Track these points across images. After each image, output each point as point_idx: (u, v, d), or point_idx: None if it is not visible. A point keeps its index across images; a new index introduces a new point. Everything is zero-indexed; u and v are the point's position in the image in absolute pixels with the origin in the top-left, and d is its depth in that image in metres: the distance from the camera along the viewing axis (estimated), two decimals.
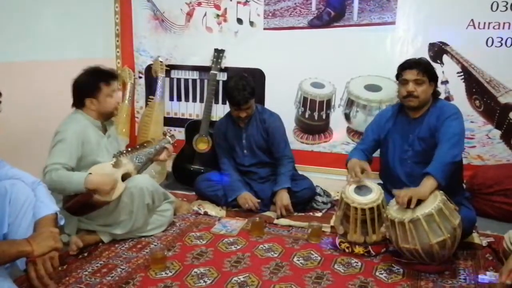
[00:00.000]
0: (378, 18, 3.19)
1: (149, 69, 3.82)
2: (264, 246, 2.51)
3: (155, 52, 3.79)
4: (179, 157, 3.54)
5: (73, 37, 3.31)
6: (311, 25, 3.36)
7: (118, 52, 3.83)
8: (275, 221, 2.85)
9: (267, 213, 2.95)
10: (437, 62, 3.07)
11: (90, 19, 3.49)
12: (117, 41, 3.81)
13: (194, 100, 3.79)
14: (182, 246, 2.51)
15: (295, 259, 2.36)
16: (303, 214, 2.98)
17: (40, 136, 2.91)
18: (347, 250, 2.43)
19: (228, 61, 3.58)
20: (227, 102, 3.64)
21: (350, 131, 3.44)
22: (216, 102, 3.67)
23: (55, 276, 1.86)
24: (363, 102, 3.34)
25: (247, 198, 2.96)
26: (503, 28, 2.93)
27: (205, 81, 3.68)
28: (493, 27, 2.95)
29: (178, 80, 3.80)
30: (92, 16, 3.51)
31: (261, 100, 3.48)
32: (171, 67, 3.76)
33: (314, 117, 3.49)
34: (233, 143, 3.13)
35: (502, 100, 3.03)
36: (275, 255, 2.41)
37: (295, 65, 3.42)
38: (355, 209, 2.35)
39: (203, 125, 3.50)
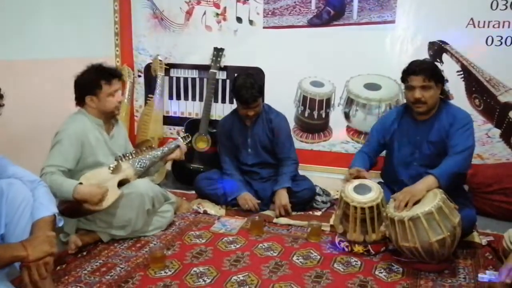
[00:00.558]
0: (378, 17, 3.19)
1: (148, 67, 3.82)
2: (264, 245, 2.51)
3: (155, 51, 3.78)
4: None
5: (73, 36, 3.30)
6: (311, 24, 3.35)
7: (117, 50, 3.82)
8: (275, 220, 2.85)
9: (267, 212, 2.95)
10: (437, 61, 3.07)
11: (89, 17, 3.48)
12: (117, 39, 3.80)
13: (194, 99, 3.78)
14: (181, 245, 2.51)
15: (294, 258, 2.36)
16: (302, 213, 2.98)
17: (39, 135, 2.91)
18: (346, 249, 2.43)
19: (228, 60, 3.57)
20: (226, 101, 3.67)
21: (349, 130, 3.43)
22: (216, 101, 3.66)
23: (51, 278, 1.85)
24: (363, 101, 3.34)
25: (247, 199, 2.96)
26: (503, 27, 2.93)
27: (205, 79, 3.67)
28: (493, 26, 2.95)
29: (178, 78, 3.79)
30: (91, 15, 3.51)
31: None
32: (170, 66, 3.76)
33: (313, 116, 3.48)
34: (238, 141, 3.12)
35: (502, 99, 3.03)
36: (275, 254, 2.41)
37: (295, 64, 3.42)
38: (354, 208, 2.35)
39: (203, 124, 3.50)
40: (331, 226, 2.69)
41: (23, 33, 2.92)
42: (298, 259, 2.36)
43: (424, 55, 3.05)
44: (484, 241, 2.52)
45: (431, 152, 2.51)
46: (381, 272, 2.22)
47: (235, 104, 3.59)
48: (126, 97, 3.77)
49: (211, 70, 3.53)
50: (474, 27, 2.98)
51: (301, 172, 3.20)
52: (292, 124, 3.50)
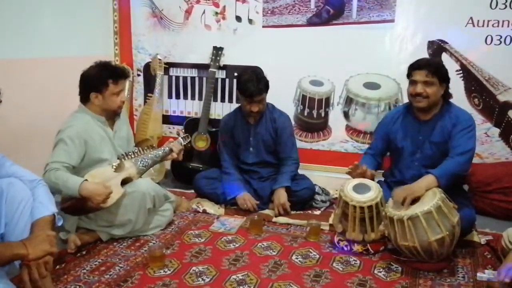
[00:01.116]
0: (377, 16, 3.19)
1: (147, 66, 3.81)
2: (263, 244, 2.51)
3: (154, 50, 3.78)
4: None
5: (72, 35, 3.30)
6: (310, 23, 3.35)
7: (116, 49, 3.82)
8: (274, 219, 2.85)
9: (266, 212, 2.95)
10: None
11: (88, 16, 3.48)
12: (116, 38, 3.80)
13: (193, 98, 3.78)
14: (180, 244, 2.51)
15: (293, 257, 2.36)
16: (301, 212, 2.98)
17: (39, 134, 2.92)
18: (345, 248, 2.43)
19: (227, 59, 3.57)
20: (226, 100, 3.66)
21: (349, 129, 3.43)
22: (215, 100, 3.66)
23: (50, 277, 1.86)
24: (362, 100, 3.34)
25: (246, 199, 2.96)
26: (502, 26, 2.93)
27: (204, 78, 3.67)
28: (492, 25, 2.95)
29: (177, 77, 3.79)
30: (90, 14, 3.50)
31: None
32: (169, 65, 3.75)
33: (313, 115, 3.48)
34: (240, 140, 3.11)
35: (501, 98, 3.03)
36: (274, 253, 2.41)
37: (294, 63, 3.42)
38: (353, 207, 2.35)
39: (202, 123, 3.50)
40: (330, 225, 2.69)
41: (23, 32, 2.91)
42: (297, 258, 2.36)
43: (423, 54, 3.04)
44: (483, 240, 2.53)
45: (433, 153, 2.51)
46: (380, 272, 2.22)
47: (234, 103, 3.61)
48: (126, 96, 3.76)
49: (210, 69, 3.53)
50: (474, 26, 2.98)
51: (300, 171, 3.20)
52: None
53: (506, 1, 2.88)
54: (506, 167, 3.01)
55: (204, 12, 3.58)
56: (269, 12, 3.42)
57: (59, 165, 2.27)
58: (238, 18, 3.51)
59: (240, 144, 3.12)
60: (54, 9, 3.15)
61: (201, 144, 3.52)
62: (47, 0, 3.09)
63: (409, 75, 2.52)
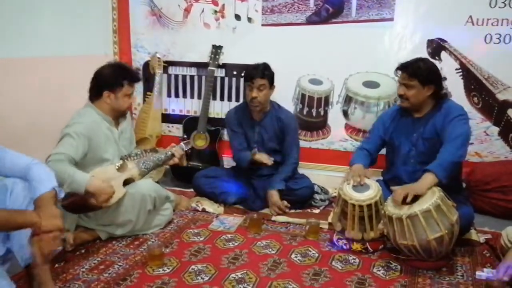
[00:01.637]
0: (377, 15, 3.19)
1: (146, 65, 3.81)
2: (262, 243, 2.51)
3: (153, 49, 3.77)
4: None
5: (71, 34, 3.29)
6: (309, 22, 3.35)
7: (115, 48, 3.81)
8: (273, 218, 2.85)
9: (265, 210, 2.95)
10: (436, 59, 3.07)
11: (87, 15, 3.47)
12: (115, 37, 3.79)
13: (192, 96, 3.78)
14: (179, 242, 2.51)
15: (292, 256, 2.36)
16: (301, 211, 2.97)
17: (38, 133, 2.91)
18: (344, 247, 2.43)
19: (226, 58, 3.56)
20: (225, 98, 3.66)
21: (348, 127, 3.43)
22: (214, 98, 3.66)
23: (49, 270, 1.86)
24: (361, 99, 3.34)
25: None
26: (502, 24, 2.93)
27: (203, 77, 3.66)
28: (492, 24, 2.95)
29: (176, 76, 3.78)
30: (89, 13, 3.49)
31: None
32: (168, 64, 3.75)
33: (312, 114, 3.48)
34: (245, 133, 3.10)
35: (500, 97, 3.03)
36: (273, 252, 2.41)
37: (293, 62, 3.42)
38: (352, 206, 2.35)
39: (201, 122, 3.50)
40: (330, 224, 2.70)
41: (22, 31, 2.91)
42: (296, 257, 2.36)
43: (422, 53, 3.05)
44: (482, 239, 2.53)
45: (425, 149, 2.52)
46: (379, 270, 2.23)
47: (233, 101, 3.61)
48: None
49: (209, 68, 3.53)
50: (473, 24, 2.98)
51: (299, 170, 3.20)
52: None
53: None
54: (505, 166, 3.01)
55: (203, 11, 3.58)
56: (269, 10, 3.41)
57: (63, 156, 2.25)
58: (237, 17, 3.51)
59: (246, 135, 3.11)
60: (53, 8, 3.14)
61: (200, 143, 3.52)
62: None
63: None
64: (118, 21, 3.77)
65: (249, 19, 3.48)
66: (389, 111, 2.80)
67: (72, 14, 3.30)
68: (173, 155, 2.69)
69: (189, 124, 3.56)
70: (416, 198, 2.24)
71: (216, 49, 3.53)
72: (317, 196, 3.11)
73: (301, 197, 3.01)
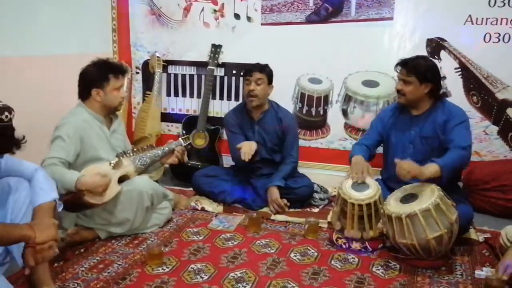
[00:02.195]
0: (376, 14, 3.19)
1: (146, 64, 3.80)
2: (261, 242, 2.51)
3: (152, 48, 3.77)
4: None
5: (70, 32, 3.29)
6: (309, 21, 3.35)
7: (115, 47, 3.81)
8: (272, 217, 2.85)
9: (265, 209, 2.95)
10: (435, 58, 3.06)
11: (86, 14, 3.46)
12: (114, 36, 3.79)
13: (192, 95, 3.77)
14: (179, 241, 2.51)
15: (292, 255, 2.36)
16: (300, 210, 2.97)
17: (36, 132, 2.88)
18: (344, 246, 2.43)
19: (226, 57, 3.56)
20: (224, 97, 3.66)
21: (347, 127, 3.43)
22: (214, 97, 3.66)
23: (49, 271, 1.87)
24: (361, 98, 3.34)
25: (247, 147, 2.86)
26: (501, 23, 2.93)
27: (203, 76, 3.66)
28: (491, 23, 2.95)
29: (175, 75, 3.78)
30: (89, 11, 3.49)
31: None
32: (168, 63, 3.75)
33: (311, 113, 3.48)
34: (245, 133, 3.10)
35: (500, 96, 3.03)
36: (272, 251, 2.41)
37: (293, 61, 3.42)
38: (352, 205, 2.35)
39: (200, 121, 3.50)
40: (329, 223, 2.70)
41: (20, 29, 2.90)
42: (295, 256, 2.36)
43: (422, 52, 3.05)
44: (481, 238, 2.53)
45: (423, 147, 2.54)
46: (378, 269, 2.23)
47: (233, 101, 3.61)
48: (124, 92, 3.75)
49: (209, 67, 3.52)
50: (472, 24, 2.98)
51: (299, 169, 3.20)
52: None
53: None
54: (505, 165, 3.01)
55: (202, 10, 3.58)
56: (268, 9, 3.41)
57: (56, 160, 2.27)
58: (237, 16, 3.50)
59: (245, 136, 3.11)
60: (52, 7, 3.13)
61: (200, 142, 3.51)
62: None
63: None
64: (117, 20, 3.76)
65: (249, 18, 3.48)
66: (388, 108, 2.82)
67: (71, 12, 3.29)
68: (171, 152, 2.69)
69: (189, 123, 3.55)
70: (415, 196, 2.24)
71: (216, 48, 3.53)
72: (316, 195, 3.10)
73: (301, 196, 3.01)
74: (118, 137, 2.63)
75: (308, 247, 2.45)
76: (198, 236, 2.59)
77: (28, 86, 2.96)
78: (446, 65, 3.08)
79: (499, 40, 2.95)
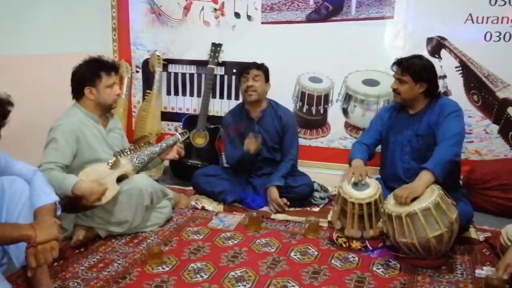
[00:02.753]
0: (376, 13, 3.18)
1: (146, 63, 3.80)
2: (261, 241, 2.51)
3: (152, 46, 3.77)
4: None
5: (70, 31, 3.29)
6: (309, 19, 3.34)
7: (115, 46, 3.81)
8: (273, 216, 2.85)
9: (265, 208, 2.95)
10: (435, 57, 3.06)
11: (86, 13, 3.47)
12: (114, 35, 3.79)
13: (192, 94, 3.77)
14: (179, 241, 2.51)
15: (292, 254, 2.36)
16: (300, 209, 2.97)
17: (35, 131, 2.89)
18: (344, 245, 2.43)
19: (226, 55, 3.56)
20: (224, 96, 3.66)
21: (348, 126, 3.43)
22: (214, 96, 3.65)
23: (48, 273, 1.86)
24: (361, 97, 3.33)
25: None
26: (502, 22, 2.92)
27: (203, 75, 3.66)
28: (492, 22, 2.94)
29: (176, 74, 3.78)
30: (88, 10, 3.49)
31: None
32: (168, 61, 3.74)
33: (312, 112, 3.48)
34: (243, 137, 3.07)
35: (500, 95, 3.03)
36: (272, 250, 2.41)
37: (293, 60, 3.41)
38: (352, 204, 2.35)
39: (201, 120, 3.49)
40: (329, 222, 2.69)
41: (20, 28, 2.90)
42: (295, 255, 2.36)
43: (422, 51, 3.04)
44: (481, 237, 2.52)
45: (420, 146, 2.54)
46: (379, 268, 2.22)
47: (233, 99, 3.61)
48: (124, 92, 3.75)
49: (209, 66, 3.52)
50: (473, 22, 2.98)
51: (299, 168, 3.20)
52: None
53: None
54: (505, 164, 3.00)
55: (202, 9, 3.57)
56: (268, 8, 3.41)
57: (52, 165, 2.26)
58: (237, 15, 3.50)
59: (244, 141, 3.10)
60: (52, 6, 3.13)
61: (200, 141, 3.51)
62: None
63: None
64: (117, 18, 3.76)
65: (249, 17, 3.47)
66: (387, 107, 2.83)
67: (71, 11, 3.30)
68: (168, 147, 2.68)
69: (189, 122, 3.55)
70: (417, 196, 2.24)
71: (216, 47, 3.53)
72: (316, 194, 3.10)
73: (301, 194, 3.01)
74: (115, 136, 2.63)
75: (308, 246, 2.45)
76: (198, 235, 2.59)
77: (28, 85, 2.97)
78: (447, 64, 3.07)
79: (500, 39, 2.94)
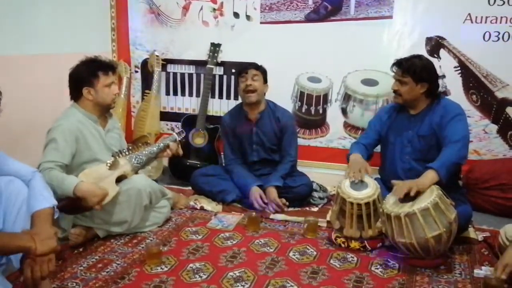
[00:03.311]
0: (375, 12, 3.18)
1: (145, 63, 3.80)
2: (260, 241, 2.51)
3: (151, 46, 3.77)
4: None
5: (69, 31, 3.29)
6: (308, 19, 3.34)
7: (114, 46, 3.81)
8: (271, 216, 2.85)
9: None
10: (434, 57, 3.06)
11: (85, 13, 3.46)
12: (113, 35, 3.79)
13: (191, 94, 3.77)
14: (177, 241, 2.51)
15: (290, 254, 2.36)
16: (299, 209, 2.97)
17: (35, 130, 2.90)
18: (343, 245, 2.43)
19: (225, 55, 3.56)
20: (223, 96, 3.66)
21: (346, 125, 3.43)
22: (213, 96, 3.65)
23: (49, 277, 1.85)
24: (360, 97, 3.33)
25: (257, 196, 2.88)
26: (500, 22, 2.92)
27: (202, 75, 3.66)
28: (490, 22, 2.94)
29: (175, 74, 3.78)
30: (87, 10, 3.49)
31: None
32: (167, 61, 3.74)
33: (310, 112, 3.48)
34: (242, 138, 3.10)
35: (499, 94, 3.03)
36: (271, 250, 2.41)
37: (292, 59, 3.41)
38: (351, 204, 2.35)
39: (200, 120, 3.49)
40: (328, 222, 2.69)
41: (20, 28, 2.90)
42: (294, 255, 2.36)
43: (421, 50, 3.04)
44: (480, 237, 2.53)
45: (421, 146, 2.53)
46: (377, 268, 2.23)
47: (232, 99, 3.61)
48: (123, 92, 3.75)
49: (208, 66, 3.52)
50: (472, 22, 2.98)
51: (298, 168, 3.20)
52: None
53: None
54: (504, 164, 3.01)
55: (201, 9, 3.57)
56: (267, 8, 3.41)
57: (52, 164, 2.26)
58: (236, 14, 3.50)
59: (242, 142, 3.11)
60: (51, 6, 3.13)
61: (199, 141, 3.51)
62: None
63: None
64: (116, 18, 3.76)
65: (248, 17, 3.47)
66: (386, 107, 2.82)
67: (70, 11, 3.30)
68: (166, 147, 2.67)
69: (188, 122, 3.55)
70: (414, 195, 2.24)
71: (215, 47, 3.53)
72: (315, 194, 3.10)
73: (300, 194, 3.01)
74: (113, 136, 2.63)
75: (307, 246, 2.45)
76: (197, 235, 2.59)
77: (28, 84, 2.97)
78: (446, 64, 3.07)
79: (498, 38, 2.94)
